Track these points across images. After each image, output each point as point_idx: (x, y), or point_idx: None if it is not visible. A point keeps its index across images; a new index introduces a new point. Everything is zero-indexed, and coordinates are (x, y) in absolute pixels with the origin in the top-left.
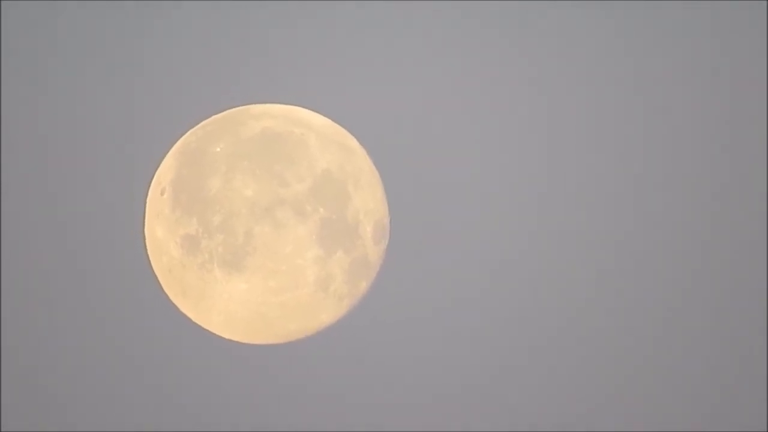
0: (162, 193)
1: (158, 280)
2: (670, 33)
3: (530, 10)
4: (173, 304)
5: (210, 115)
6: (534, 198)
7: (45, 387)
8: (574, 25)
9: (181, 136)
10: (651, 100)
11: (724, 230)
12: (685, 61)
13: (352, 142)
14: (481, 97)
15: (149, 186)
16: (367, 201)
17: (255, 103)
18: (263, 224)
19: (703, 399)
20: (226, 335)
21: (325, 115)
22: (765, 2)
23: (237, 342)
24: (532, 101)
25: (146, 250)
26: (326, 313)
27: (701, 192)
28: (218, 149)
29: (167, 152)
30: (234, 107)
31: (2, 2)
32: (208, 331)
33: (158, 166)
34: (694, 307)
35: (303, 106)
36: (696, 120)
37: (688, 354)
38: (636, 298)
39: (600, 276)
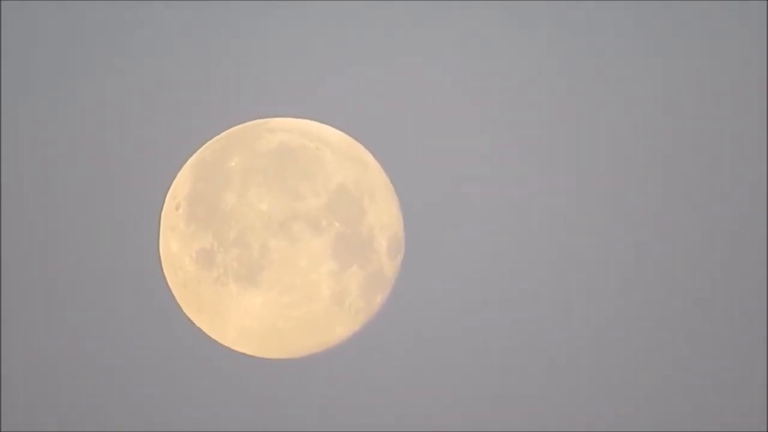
0: (177, 208)
1: (173, 295)
2: (671, 33)
3: (548, 17)
4: (188, 318)
5: (225, 129)
6: (551, 211)
7: (59, 400)
8: (597, 27)
9: (196, 151)
10: (664, 99)
11: (724, 230)
12: (685, 61)
13: (367, 156)
14: (497, 112)
15: (164, 200)
16: (382, 215)
17: (270, 117)
18: (278, 238)
19: (703, 399)
20: (242, 349)
21: (340, 130)
22: (765, 2)
23: (252, 356)
24: (547, 116)
25: (161, 264)
26: (341, 328)
27: (707, 193)
28: (233, 163)
29: (182, 166)
30: (249, 121)
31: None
32: (223, 345)
33: (173, 181)
34: (696, 307)
35: (318, 121)
36: (697, 120)
37: (688, 354)
38: (664, 302)
39: (622, 289)
